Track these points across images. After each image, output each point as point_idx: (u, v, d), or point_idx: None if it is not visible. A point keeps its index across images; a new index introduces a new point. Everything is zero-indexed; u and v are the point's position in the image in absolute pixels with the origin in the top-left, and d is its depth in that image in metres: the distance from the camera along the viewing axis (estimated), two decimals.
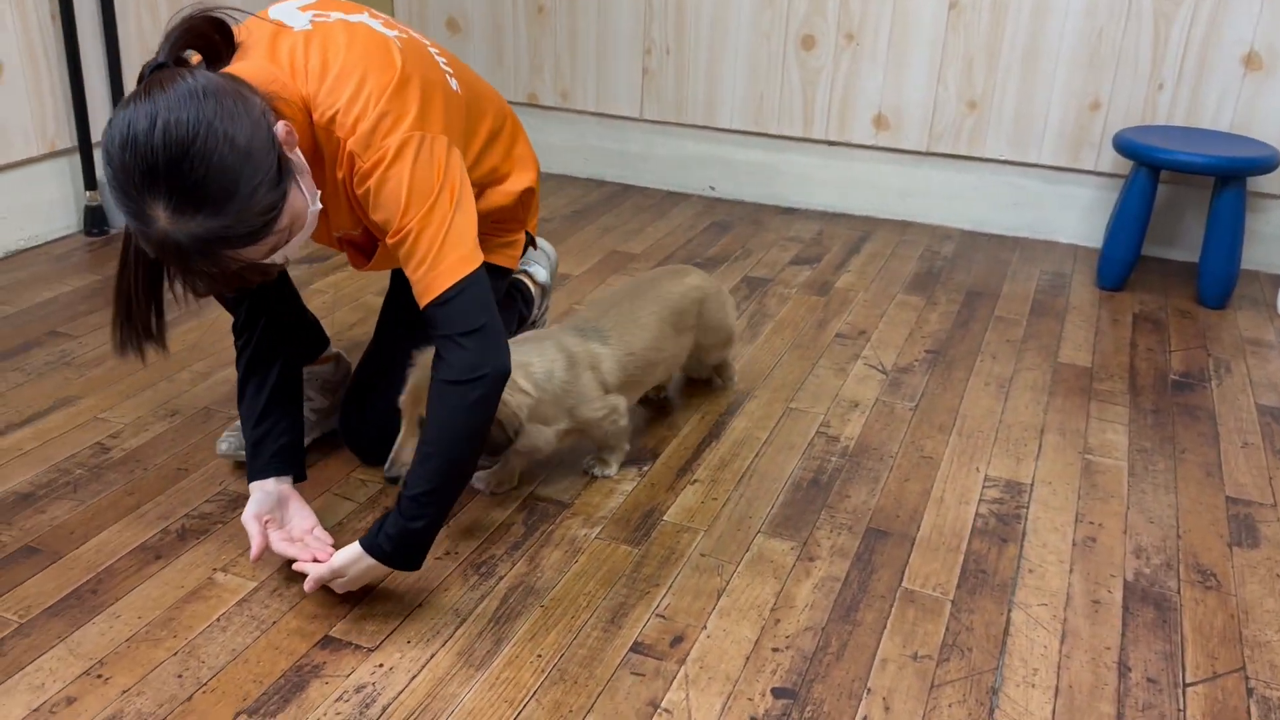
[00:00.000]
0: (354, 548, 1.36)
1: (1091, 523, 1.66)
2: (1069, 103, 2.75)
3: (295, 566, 1.41)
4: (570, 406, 1.64)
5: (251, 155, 1.20)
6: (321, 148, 1.40)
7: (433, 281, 1.34)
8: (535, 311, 2.04)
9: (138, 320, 1.35)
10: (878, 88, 2.91)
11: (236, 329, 1.62)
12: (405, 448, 1.49)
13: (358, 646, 1.35)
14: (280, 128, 1.26)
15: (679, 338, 1.83)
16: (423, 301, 1.35)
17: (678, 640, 1.38)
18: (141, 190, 1.16)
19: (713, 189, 3.18)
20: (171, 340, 2.13)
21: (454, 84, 1.52)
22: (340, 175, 1.41)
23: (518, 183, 1.73)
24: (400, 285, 1.78)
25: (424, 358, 1.50)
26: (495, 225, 1.75)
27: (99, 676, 1.28)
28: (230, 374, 2.00)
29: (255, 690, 1.27)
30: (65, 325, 2.18)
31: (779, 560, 1.54)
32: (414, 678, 1.30)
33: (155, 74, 1.22)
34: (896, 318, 2.38)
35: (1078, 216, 2.85)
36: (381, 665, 1.32)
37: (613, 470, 1.75)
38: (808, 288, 2.53)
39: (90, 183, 2.61)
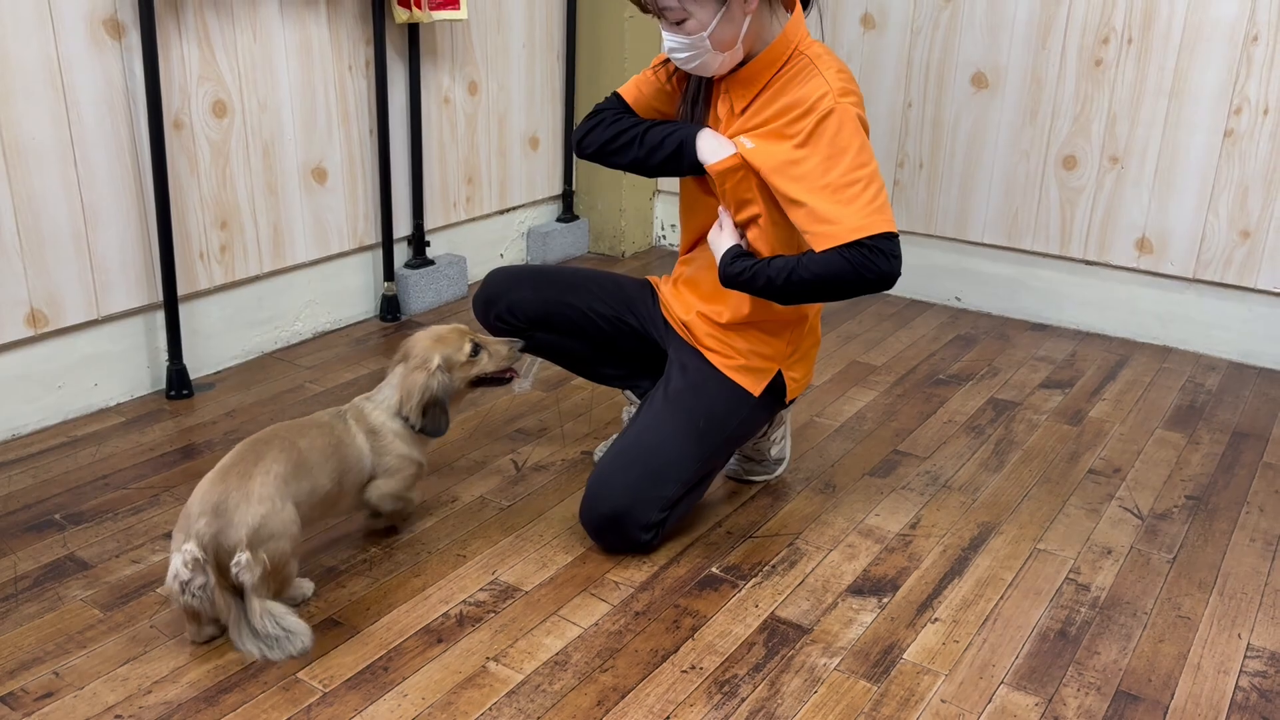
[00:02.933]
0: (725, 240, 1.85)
1: None
2: None
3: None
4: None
5: None
6: (787, 75, 1.77)
7: (877, 221, 1.69)
8: (775, 432, 2.13)
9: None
10: (1142, 211, 2.84)
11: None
12: None
13: None
14: None
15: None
16: (867, 234, 1.68)
17: None
18: None
19: (959, 300, 3.19)
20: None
21: None
22: (797, 84, 1.76)
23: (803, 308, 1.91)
24: (671, 373, 1.96)
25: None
26: (758, 334, 1.92)
27: None
28: (504, 464, 2.19)
29: None
30: None
31: (1023, 715, 1.54)
32: None
33: None
34: (1155, 456, 2.31)
35: None
36: None
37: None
38: (1059, 415, 2.49)
39: (389, 274, 2.93)
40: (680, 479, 1.86)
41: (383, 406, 1.83)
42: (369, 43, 2.74)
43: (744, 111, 1.83)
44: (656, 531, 1.87)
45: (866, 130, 1.76)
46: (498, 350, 1.90)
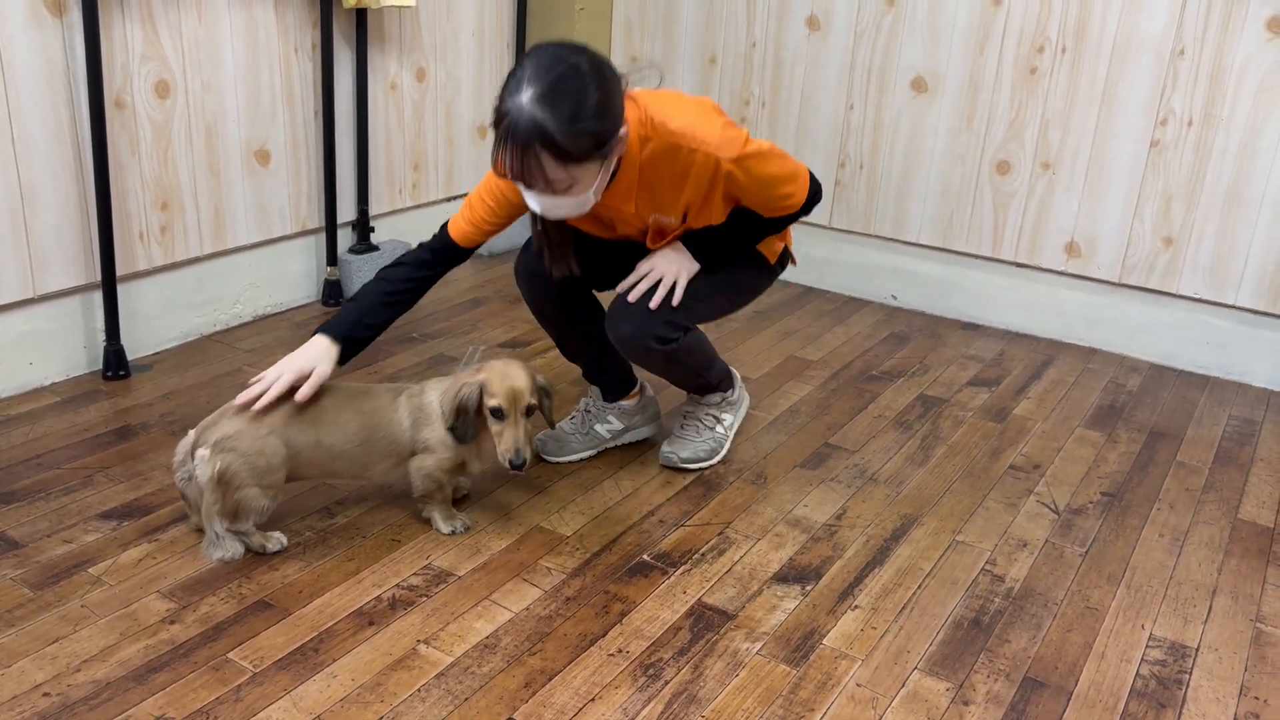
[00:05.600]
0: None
1: (1256, 697, 1.65)
2: (1272, 246, 2.70)
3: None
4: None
5: (606, 115, 1.67)
6: (654, 155, 1.84)
7: (802, 185, 2.00)
8: (737, 390, 2.32)
9: (557, 251, 1.97)
10: (1071, 216, 2.93)
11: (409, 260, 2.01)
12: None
13: None
14: (625, 129, 1.73)
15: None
16: (808, 189, 2.02)
17: None
18: (529, 76, 1.63)
19: (894, 298, 3.26)
20: None
21: None
22: (680, 167, 1.86)
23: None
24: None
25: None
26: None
27: None
28: None
29: None
30: None
31: (933, 700, 1.60)
32: None
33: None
34: (1074, 454, 2.39)
35: (1275, 362, 2.78)
36: None
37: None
38: (984, 412, 2.57)
39: (331, 259, 2.93)
40: (693, 321, 2.08)
41: (438, 390, 1.90)
42: (315, 26, 2.74)
43: (640, 201, 1.92)
44: (676, 341, 2.04)
45: (732, 123, 1.89)
46: (510, 434, 1.82)
